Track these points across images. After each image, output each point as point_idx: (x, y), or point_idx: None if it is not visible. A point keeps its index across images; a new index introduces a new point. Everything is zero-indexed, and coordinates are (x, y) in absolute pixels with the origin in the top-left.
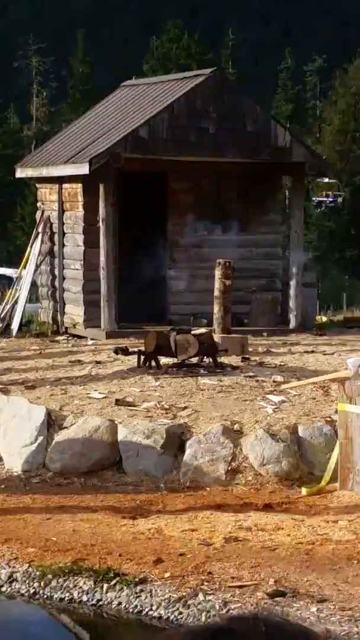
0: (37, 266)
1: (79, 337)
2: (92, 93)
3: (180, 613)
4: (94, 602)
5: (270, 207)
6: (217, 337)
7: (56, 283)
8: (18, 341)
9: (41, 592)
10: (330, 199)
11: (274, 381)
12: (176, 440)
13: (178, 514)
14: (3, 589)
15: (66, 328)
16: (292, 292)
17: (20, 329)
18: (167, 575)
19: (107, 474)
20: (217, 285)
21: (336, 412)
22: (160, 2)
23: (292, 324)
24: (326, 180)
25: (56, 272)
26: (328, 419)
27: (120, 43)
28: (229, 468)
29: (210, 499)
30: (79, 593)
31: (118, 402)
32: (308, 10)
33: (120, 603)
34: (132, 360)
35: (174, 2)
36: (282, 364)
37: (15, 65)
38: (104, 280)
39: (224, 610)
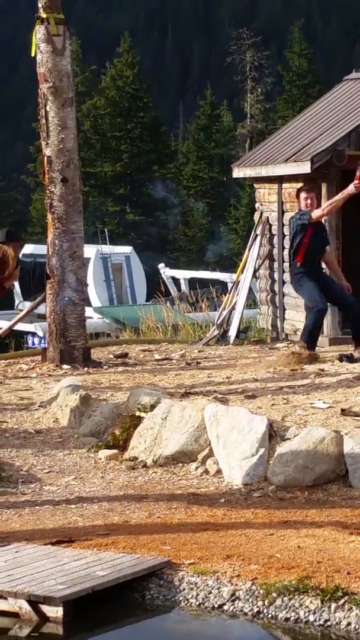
0: (256, 270)
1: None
2: (309, 88)
3: None
4: (321, 622)
5: None
6: None
7: (276, 288)
8: (236, 348)
9: (265, 611)
10: None
11: None
12: None
13: None
14: (225, 607)
15: (286, 335)
16: None
17: (238, 335)
18: None
19: (332, 488)
20: None
21: None
22: None
23: None
24: None
25: (276, 277)
26: None
27: (336, 36)
28: None
29: None
30: (305, 613)
31: (344, 412)
32: None
33: (349, 624)
34: (359, 368)
35: None
36: None
37: (229, 60)
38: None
39: None
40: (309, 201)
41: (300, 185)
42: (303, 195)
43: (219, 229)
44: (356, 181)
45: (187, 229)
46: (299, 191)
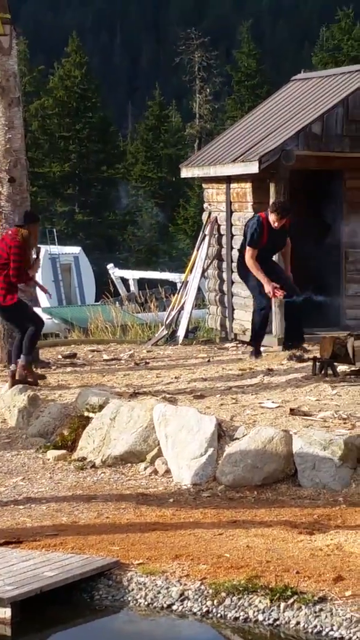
0: (204, 270)
1: (249, 344)
2: (257, 88)
3: None
4: (270, 621)
5: None
6: None
7: (224, 288)
8: (185, 348)
9: (214, 610)
10: None
11: None
12: (355, 451)
13: (359, 530)
14: (174, 607)
15: (235, 334)
16: None
17: (186, 335)
18: (348, 593)
19: (281, 487)
20: None
21: None
22: None
23: None
24: None
25: (224, 277)
26: None
27: (285, 36)
28: None
29: None
30: (254, 612)
31: (293, 411)
32: None
33: (298, 623)
34: (307, 368)
35: None
36: None
37: (177, 60)
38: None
39: None
40: (277, 224)
41: (249, 185)
42: (277, 217)
43: (168, 229)
44: (279, 293)
45: (136, 229)
46: (278, 210)
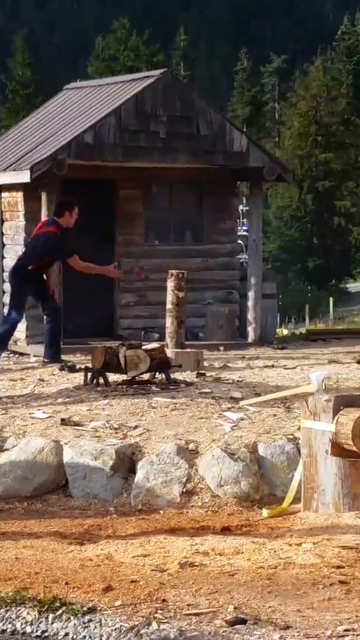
0: None
1: (21, 354)
2: (33, 98)
3: None
4: (38, 633)
5: (226, 214)
6: (170, 352)
7: None
8: None
9: None
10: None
11: (231, 397)
12: (127, 461)
13: (129, 539)
14: None
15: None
16: (250, 303)
17: None
18: (117, 603)
19: (52, 498)
20: (169, 297)
21: (299, 429)
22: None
23: (251, 337)
24: None
25: None
26: (290, 436)
27: (63, 45)
28: (184, 490)
29: (164, 522)
30: (22, 624)
31: (63, 421)
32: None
33: (67, 634)
34: (79, 378)
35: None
36: (241, 379)
37: None
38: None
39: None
40: (75, 218)
41: (20, 194)
42: (76, 210)
43: None
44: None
45: None
46: (71, 205)
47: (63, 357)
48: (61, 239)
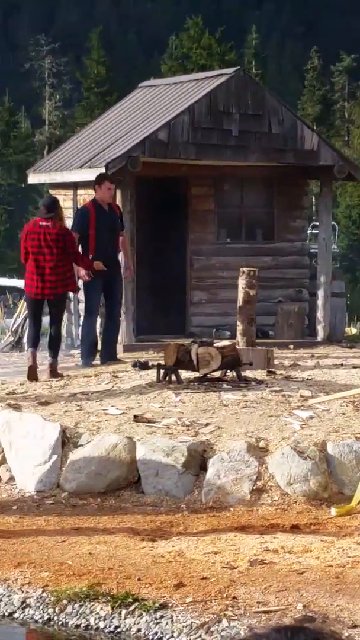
0: None
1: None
2: (107, 95)
3: None
4: (111, 628)
5: (296, 213)
6: (240, 349)
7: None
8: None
9: (56, 618)
10: None
11: (301, 396)
12: (198, 458)
13: (200, 536)
14: (16, 614)
15: None
16: (319, 302)
17: None
18: (188, 600)
19: (125, 494)
20: (240, 295)
21: None
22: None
23: (320, 335)
24: None
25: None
26: (359, 435)
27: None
28: (254, 487)
29: (234, 519)
30: (95, 619)
31: (136, 418)
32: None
33: (139, 630)
34: (152, 375)
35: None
36: (310, 377)
37: (27, 67)
38: (122, 291)
39: None
40: (111, 192)
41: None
42: (108, 184)
43: (18, 236)
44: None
45: None
46: (99, 179)
47: (136, 354)
48: (83, 213)
